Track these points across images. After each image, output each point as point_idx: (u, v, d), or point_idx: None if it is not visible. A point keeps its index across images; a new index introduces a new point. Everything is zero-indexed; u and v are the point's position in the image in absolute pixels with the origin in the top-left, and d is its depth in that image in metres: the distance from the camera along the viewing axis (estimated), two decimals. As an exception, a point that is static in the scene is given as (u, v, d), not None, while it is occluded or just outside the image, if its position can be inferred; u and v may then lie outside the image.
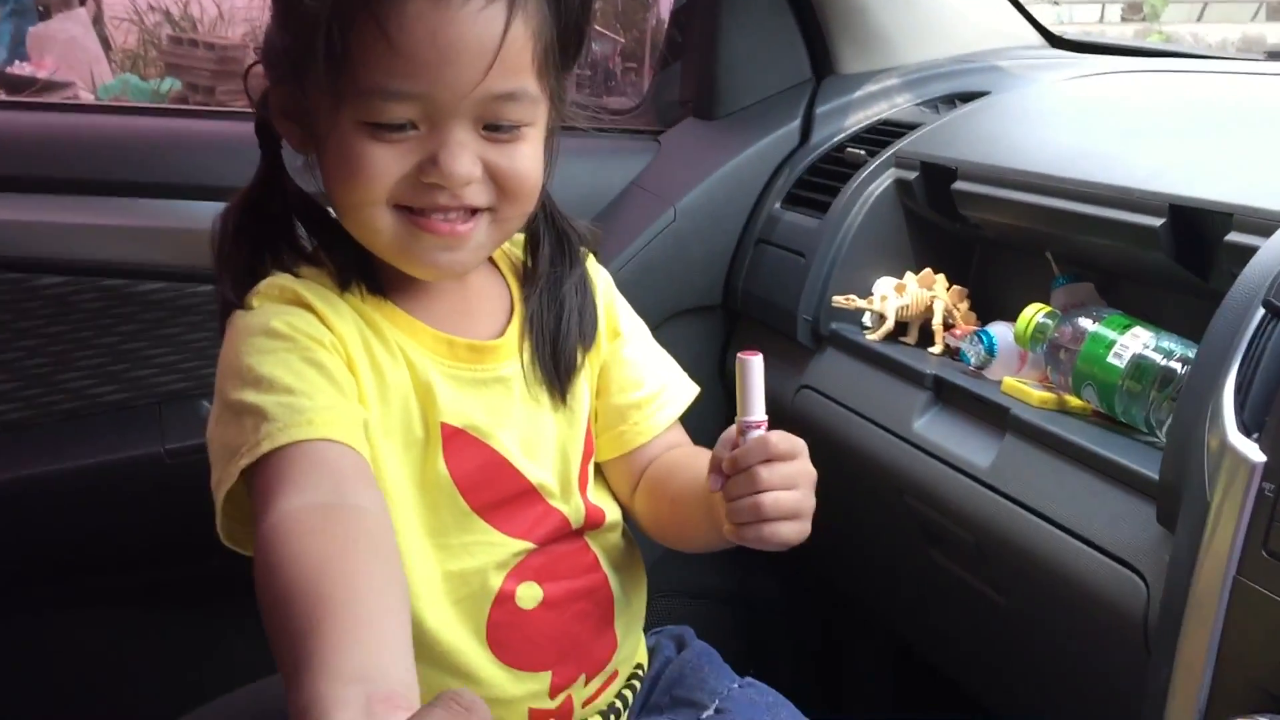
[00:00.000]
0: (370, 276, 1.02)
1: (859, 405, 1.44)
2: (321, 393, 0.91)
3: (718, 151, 1.74)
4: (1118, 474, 1.06)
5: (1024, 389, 1.24)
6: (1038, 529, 1.14)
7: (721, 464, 0.98)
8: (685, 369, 1.22)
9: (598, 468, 1.16)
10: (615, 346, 1.16)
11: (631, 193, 1.78)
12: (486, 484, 1.04)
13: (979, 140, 1.49)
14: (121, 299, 1.55)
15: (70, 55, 5.85)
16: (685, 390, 1.20)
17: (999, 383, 1.29)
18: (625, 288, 1.21)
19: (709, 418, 1.26)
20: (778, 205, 1.68)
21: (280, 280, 1.00)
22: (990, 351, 1.32)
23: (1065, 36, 1.86)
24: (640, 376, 1.16)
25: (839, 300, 1.48)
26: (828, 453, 1.52)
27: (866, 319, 1.52)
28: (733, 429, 0.99)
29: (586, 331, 1.12)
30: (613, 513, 1.14)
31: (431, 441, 1.02)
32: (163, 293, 1.56)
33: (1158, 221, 1.12)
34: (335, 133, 0.93)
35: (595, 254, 1.19)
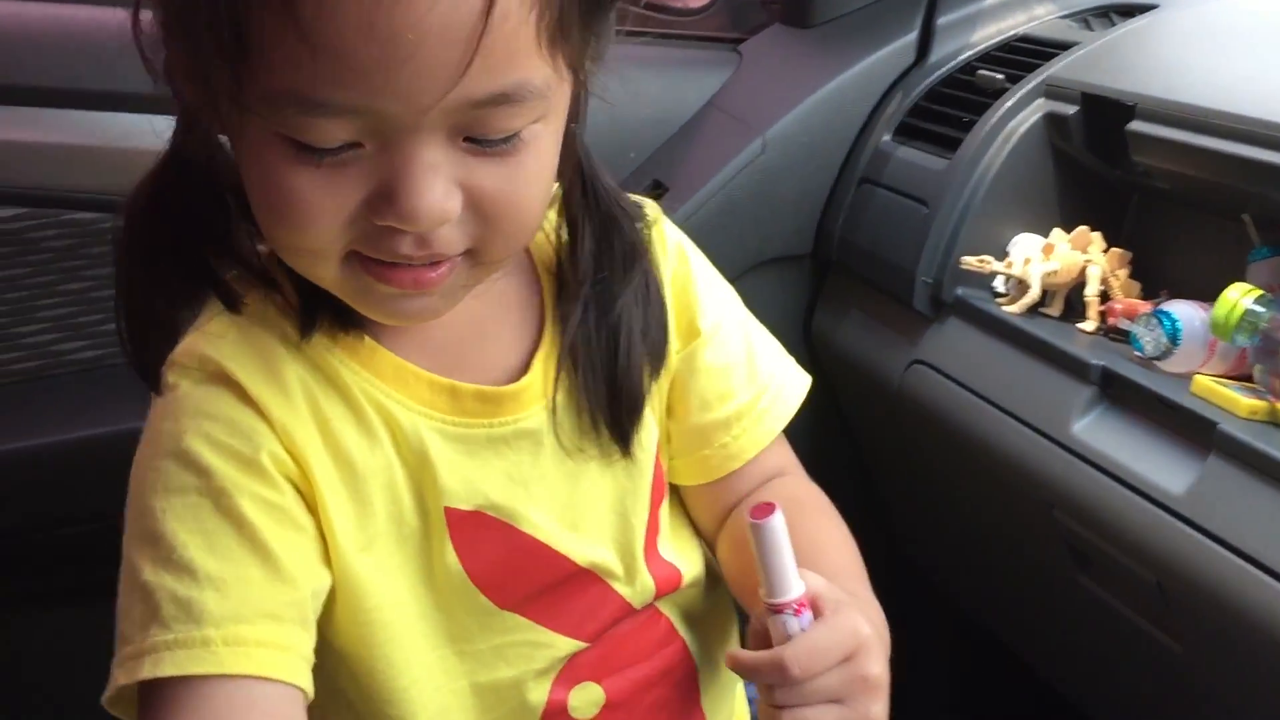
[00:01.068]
0: (340, 308, 0.73)
1: (991, 392, 1.18)
2: (237, 585, 0.67)
3: (814, 68, 1.46)
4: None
5: (1227, 394, 0.98)
6: (1243, 574, 0.91)
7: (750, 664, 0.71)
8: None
9: (675, 495, 0.90)
10: (693, 351, 0.86)
11: (709, 116, 1.50)
12: (515, 577, 0.79)
13: (1154, 69, 1.21)
14: (91, 236, 1.27)
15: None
16: (790, 391, 0.91)
17: (1182, 379, 1.04)
18: (700, 234, 0.93)
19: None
20: (888, 138, 1.40)
21: (201, 344, 0.73)
22: (1173, 339, 1.06)
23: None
24: (728, 386, 0.87)
25: (969, 261, 1.22)
26: (944, 442, 1.29)
27: (999, 284, 1.25)
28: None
29: (655, 356, 0.83)
30: (692, 568, 0.88)
31: (434, 532, 0.76)
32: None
33: None
34: (247, 141, 0.64)
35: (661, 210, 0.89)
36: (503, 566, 0.78)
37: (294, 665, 0.68)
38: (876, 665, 0.70)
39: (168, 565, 0.67)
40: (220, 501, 0.68)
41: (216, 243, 0.74)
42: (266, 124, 0.62)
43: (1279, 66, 1.15)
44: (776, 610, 0.70)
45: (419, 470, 0.75)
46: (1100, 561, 1.09)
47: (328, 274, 0.68)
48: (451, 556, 0.77)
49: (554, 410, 0.79)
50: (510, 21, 0.60)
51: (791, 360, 0.93)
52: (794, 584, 0.70)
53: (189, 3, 0.60)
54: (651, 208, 0.87)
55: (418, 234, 0.64)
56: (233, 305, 0.74)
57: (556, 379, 0.79)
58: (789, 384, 0.91)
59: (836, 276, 1.47)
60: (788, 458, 0.92)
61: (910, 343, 1.30)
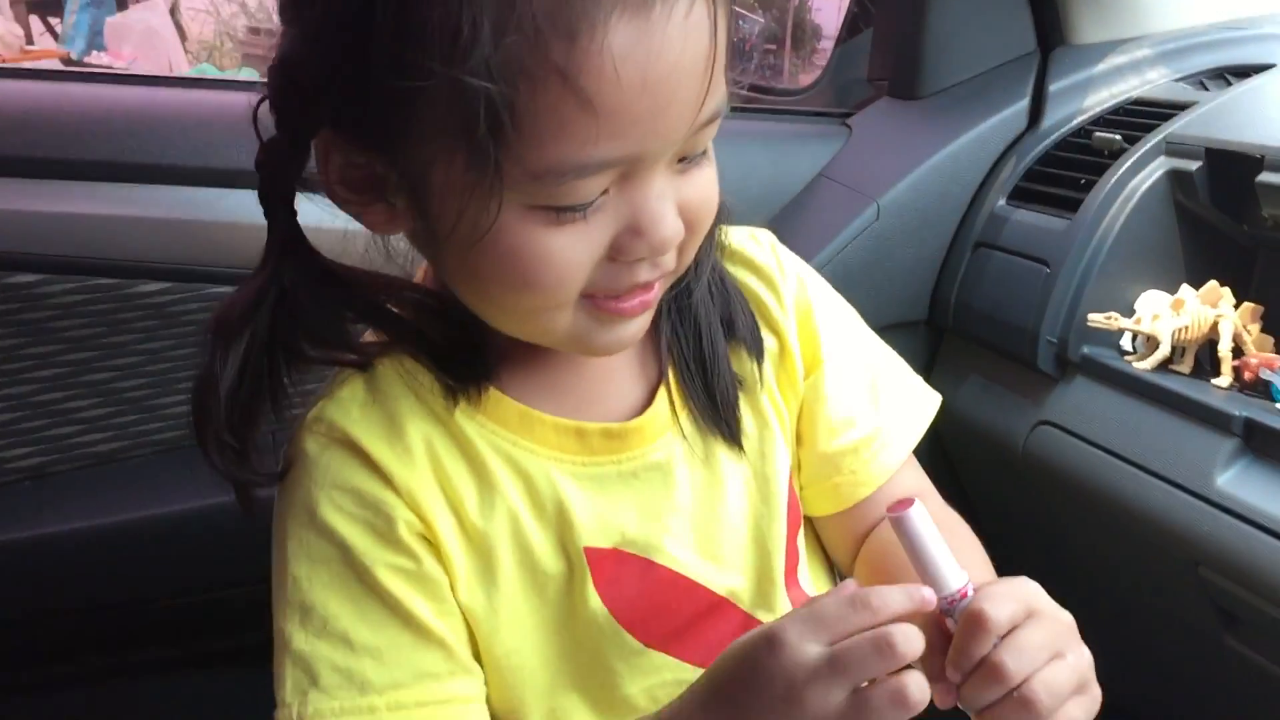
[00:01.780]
0: (477, 370, 0.76)
1: (1126, 449, 1.16)
2: (392, 651, 0.71)
3: (925, 137, 1.47)
4: None
5: (1382, 442, 0.96)
6: None
7: (943, 669, 0.67)
8: None
9: (810, 528, 0.90)
10: (817, 378, 0.87)
11: (821, 185, 1.51)
12: (658, 612, 0.79)
13: (1277, 122, 1.20)
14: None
15: (147, 45, 5.78)
16: (918, 413, 0.92)
17: (1329, 429, 1.01)
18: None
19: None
20: (1003, 202, 1.40)
21: (330, 410, 0.75)
22: (1317, 390, 1.04)
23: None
24: (853, 412, 0.88)
25: (1096, 319, 1.20)
26: (1075, 504, 1.27)
27: (1126, 341, 1.24)
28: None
29: (747, 341, 0.84)
30: None
31: (576, 574, 0.77)
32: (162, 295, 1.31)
33: None
34: (487, 222, 0.64)
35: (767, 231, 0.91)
36: (644, 602, 0.78)
37: (459, 713, 0.71)
38: (1055, 605, 0.69)
39: (322, 634, 0.70)
40: (362, 575, 0.71)
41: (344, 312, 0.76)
42: (523, 198, 0.63)
43: None
44: (952, 603, 0.68)
45: (555, 515, 0.76)
46: (1250, 619, 1.06)
47: (561, 324, 0.70)
48: (594, 598, 0.77)
49: (683, 436, 0.81)
50: (720, 44, 0.64)
51: (919, 380, 0.94)
52: (957, 570, 0.68)
53: (454, 96, 0.60)
54: (766, 235, 0.90)
55: (654, 260, 0.68)
56: (365, 366, 0.76)
57: (678, 407, 0.81)
58: (916, 406, 0.92)
59: (953, 341, 1.46)
60: (921, 482, 0.92)
61: (1035, 404, 1.29)
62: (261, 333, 0.71)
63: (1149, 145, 1.26)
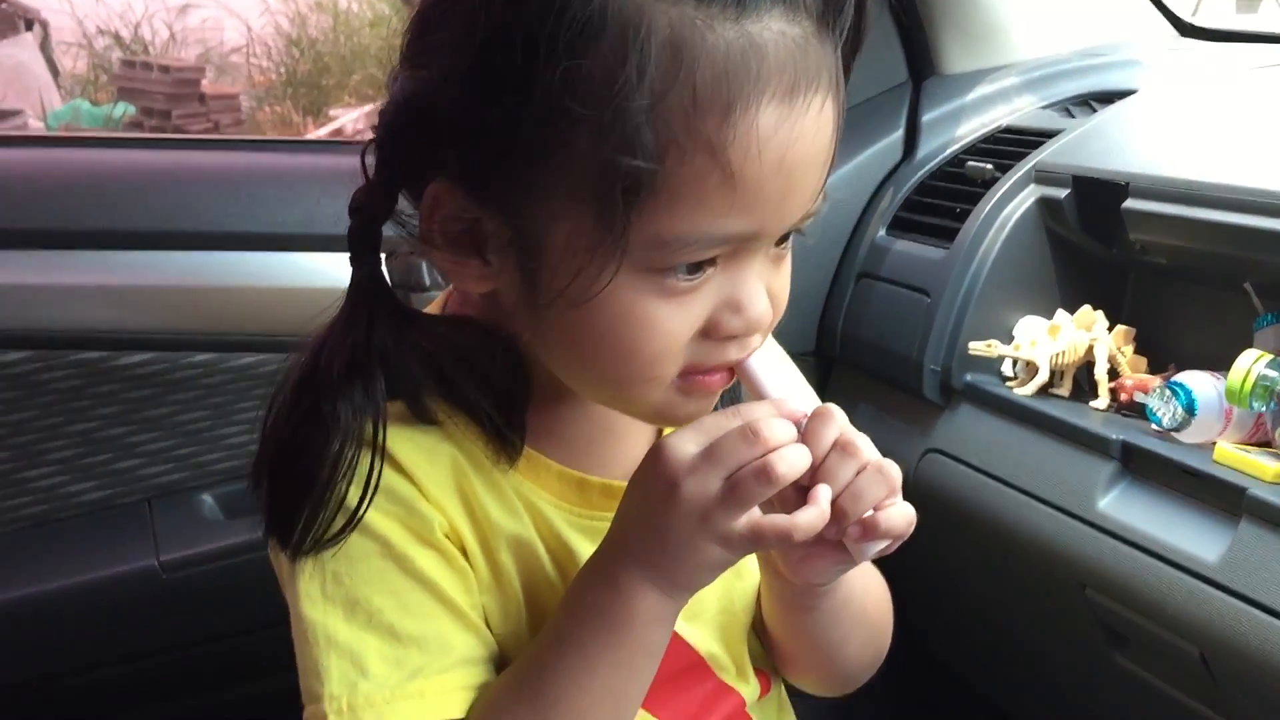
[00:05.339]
0: (516, 433, 0.75)
1: (1011, 475, 1.18)
2: (435, 640, 0.71)
3: (804, 170, 1.48)
4: None
5: (1252, 461, 0.98)
6: (1288, 641, 0.89)
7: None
8: None
9: None
10: None
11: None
12: None
13: (1141, 148, 1.23)
14: (99, 375, 1.27)
15: (18, 82, 5.60)
16: None
17: (1203, 449, 1.04)
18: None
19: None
20: (883, 232, 1.42)
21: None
22: (1190, 410, 1.06)
23: (1197, 25, 1.61)
24: None
25: (977, 347, 1.22)
26: (965, 530, 1.28)
27: (1007, 367, 1.26)
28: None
29: None
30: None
31: None
32: (149, 365, 1.29)
33: None
34: (601, 285, 0.65)
35: None
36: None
37: None
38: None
39: (368, 627, 0.70)
40: (403, 564, 0.71)
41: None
42: (641, 263, 0.64)
43: (1263, 137, 1.18)
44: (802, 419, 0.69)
45: (560, 551, 0.76)
46: (1138, 639, 1.08)
47: (657, 396, 0.70)
48: None
49: None
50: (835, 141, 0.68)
51: None
52: (811, 397, 0.71)
53: (594, 161, 0.61)
54: None
55: (741, 341, 0.69)
56: (426, 418, 0.74)
57: None
58: None
59: (841, 371, 1.48)
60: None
61: (922, 432, 1.30)
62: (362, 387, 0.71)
63: (1019, 174, 1.28)
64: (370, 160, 0.71)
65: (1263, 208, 1.03)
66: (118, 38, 6.50)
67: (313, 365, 0.72)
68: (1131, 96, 1.36)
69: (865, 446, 0.69)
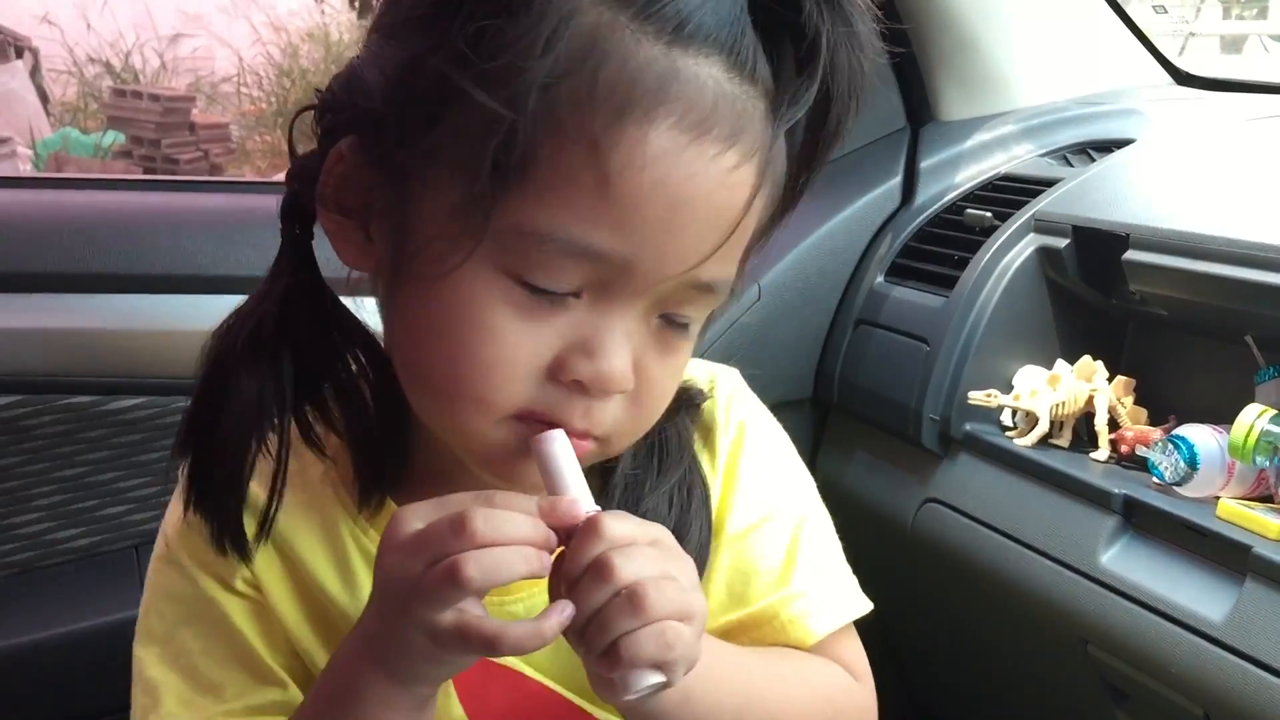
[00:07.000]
0: (382, 482, 0.73)
1: (1011, 527, 1.17)
2: (232, 688, 0.72)
3: (802, 215, 1.44)
4: None
5: (1256, 517, 0.98)
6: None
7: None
8: None
9: None
10: (719, 545, 0.79)
11: (701, 267, 1.51)
12: None
13: (1141, 199, 1.23)
14: (88, 420, 1.26)
15: (7, 109, 5.60)
16: (825, 614, 0.81)
17: (1205, 503, 1.03)
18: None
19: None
20: (881, 279, 1.42)
21: None
22: (1192, 464, 1.05)
23: (1194, 73, 1.62)
24: (750, 590, 0.80)
25: (976, 396, 1.22)
26: (963, 581, 1.27)
27: (1006, 417, 1.25)
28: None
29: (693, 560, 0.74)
30: None
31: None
32: (139, 410, 1.27)
33: None
34: (454, 275, 0.61)
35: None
36: (511, 716, 0.75)
37: None
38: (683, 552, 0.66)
39: (173, 665, 0.72)
40: (211, 610, 0.73)
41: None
42: (500, 258, 0.61)
43: (1263, 190, 1.18)
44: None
45: None
46: (1140, 696, 1.07)
47: (486, 428, 0.64)
48: (456, 709, 0.74)
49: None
50: (752, 219, 0.63)
51: (848, 580, 0.86)
52: (588, 498, 0.63)
53: (482, 119, 0.58)
54: (726, 382, 0.85)
55: (588, 403, 0.64)
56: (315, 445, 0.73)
57: None
58: (827, 605, 0.81)
59: (839, 418, 1.47)
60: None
61: (921, 482, 1.29)
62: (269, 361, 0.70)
63: (1019, 223, 1.28)
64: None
65: (1264, 262, 1.03)
66: (108, 66, 6.51)
67: (224, 337, 0.70)
68: (1130, 146, 1.36)
69: (625, 567, 0.60)
